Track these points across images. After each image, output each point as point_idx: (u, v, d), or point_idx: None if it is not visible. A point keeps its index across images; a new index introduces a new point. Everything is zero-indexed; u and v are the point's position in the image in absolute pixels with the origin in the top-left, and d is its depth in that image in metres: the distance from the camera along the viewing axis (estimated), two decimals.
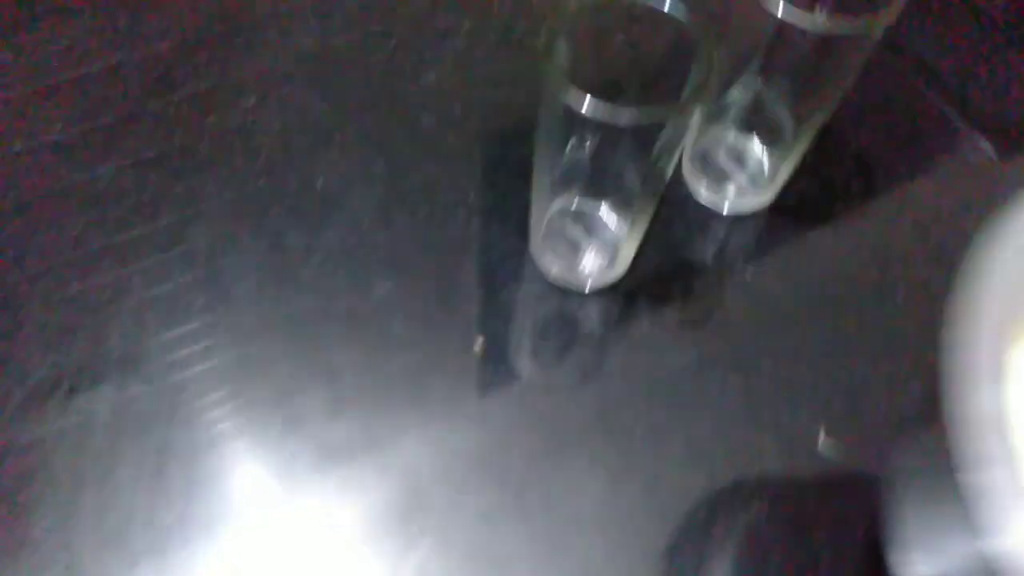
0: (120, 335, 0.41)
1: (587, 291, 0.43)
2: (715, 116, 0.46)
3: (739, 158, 0.46)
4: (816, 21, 0.33)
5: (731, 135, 0.47)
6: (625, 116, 0.29)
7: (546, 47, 0.30)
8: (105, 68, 0.50)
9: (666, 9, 0.32)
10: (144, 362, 0.40)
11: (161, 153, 0.47)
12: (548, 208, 0.42)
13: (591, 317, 0.43)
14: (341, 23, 0.53)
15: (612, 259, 0.43)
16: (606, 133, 0.31)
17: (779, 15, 0.34)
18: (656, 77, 0.36)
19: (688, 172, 0.47)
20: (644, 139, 0.33)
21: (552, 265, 0.43)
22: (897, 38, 0.34)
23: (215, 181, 0.46)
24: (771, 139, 0.45)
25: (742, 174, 0.46)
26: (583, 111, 0.30)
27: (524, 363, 0.41)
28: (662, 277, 0.44)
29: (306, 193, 0.46)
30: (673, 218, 0.46)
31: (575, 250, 0.43)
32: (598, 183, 0.41)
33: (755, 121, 0.45)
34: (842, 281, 0.44)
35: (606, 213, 0.43)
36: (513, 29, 0.53)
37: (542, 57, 0.30)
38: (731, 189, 0.46)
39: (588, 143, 0.34)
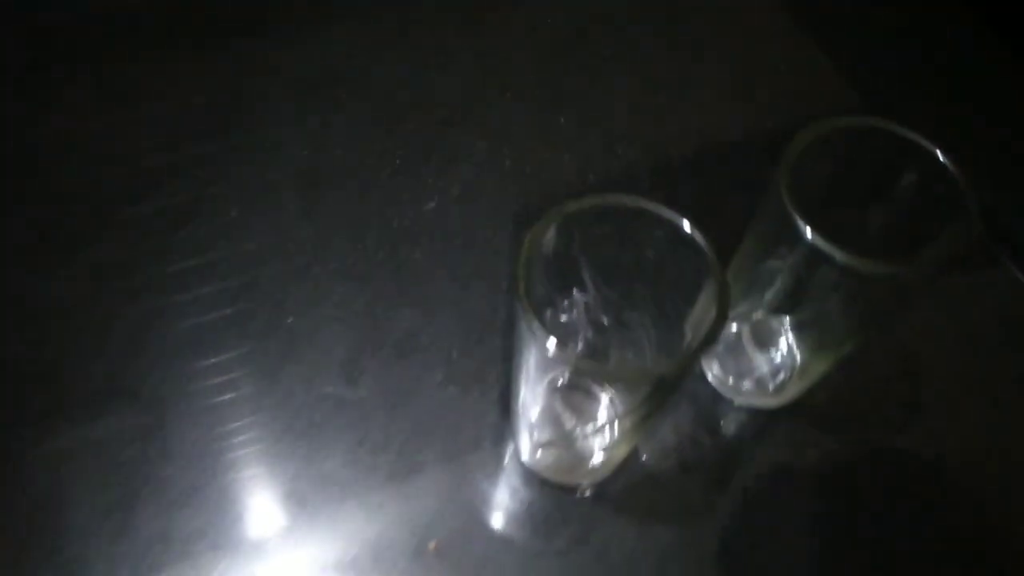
0: (41, 471, 0.36)
1: (569, 488, 0.37)
2: (746, 288, 0.39)
3: (765, 344, 0.40)
4: (848, 257, 0.27)
5: (760, 313, 0.41)
6: (609, 374, 0.24)
7: (523, 277, 0.25)
8: (86, 161, 0.46)
9: (687, 229, 0.27)
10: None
11: (124, 265, 0.43)
12: (533, 385, 0.37)
13: (567, 527, 0.37)
14: (342, 134, 0.48)
15: (606, 454, 0.37)
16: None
17: (808, 238, 0.28)
18: (664, 283, 0.30)
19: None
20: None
21: (532, 452, 0.37)
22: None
23: (174, 305, 0.41)
24: (809, 334, 0.39)
25: (765, 363, 0.40)
26: (557, 360, 0.24)
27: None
28: (657, 478, 0.38)
29: (272, 330, 0.41)
30: (680, 400, 0.40)
31: (563, 438, 0.38)
32: (595, 361, 0.35)
33: (792, 307, 0.39)
34: (867, 516, 0.37)
35: (604, 400, 0.37)
36: (532, 155, 0.48)
37: (517, 289, 0.25)
38: (748, 382, 0.40)
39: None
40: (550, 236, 0.27)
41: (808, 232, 0.28)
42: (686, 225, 0.26)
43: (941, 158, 0.29)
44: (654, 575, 0.35)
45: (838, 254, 0.27)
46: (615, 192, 0.28)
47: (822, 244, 0.28)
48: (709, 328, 0.24)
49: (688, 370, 0.25)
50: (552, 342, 0.24)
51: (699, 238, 0.26)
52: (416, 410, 0.39)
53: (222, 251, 0.43)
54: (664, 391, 0.28)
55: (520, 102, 0.50)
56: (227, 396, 0.39)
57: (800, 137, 0.30)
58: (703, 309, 0.27)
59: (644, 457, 0.38)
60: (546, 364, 0.29)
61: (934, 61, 0.54)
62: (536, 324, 0.25)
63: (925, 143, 0.29)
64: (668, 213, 0.26)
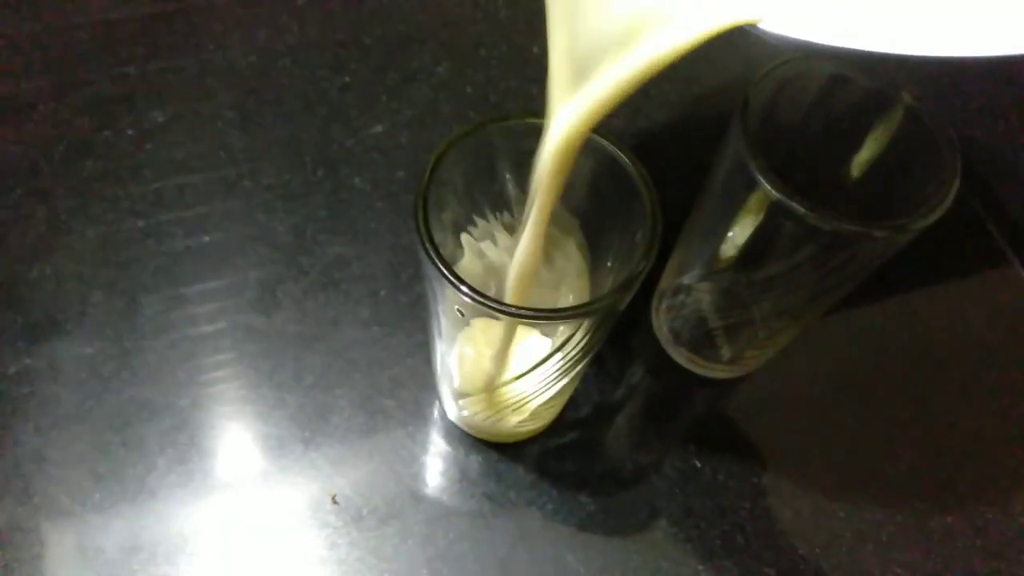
0: None
1: (491, 445, 0.34)
2: (704, 246, 0.35)
3: (723, 308, 0.37)
4: (809, 211, 0.23)
5: (718, 274, 0.37)
6: (525, 313, 0.21)
7: (422, 203, 0.21)
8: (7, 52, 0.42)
9: (619, 158, 0.23)
10: None
11: (34, 163, 0.39)
12: (448, 330, 0.33)
13: (484, 485, 0.33)
14: (292, 42, 0.44)
15: (533, 407, 0.34)
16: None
17: (767, 188, 0.24)
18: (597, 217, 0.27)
19: (656, 312, 0.38)
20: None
21: (454, 405, 0.34)
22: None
23: (85, 209, 0.38)
24: (770, 297, 0.35)
25: (721, 329, 0.36)
26: (466, 301, 0.21)
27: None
28: (589, 442, 0.35)
29: (187, 246, 0.37)
30: (625, 357, 0.37)
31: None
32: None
33: (754, 267, 0.35)
34: (814, 502, 0.34)
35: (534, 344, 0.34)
36: (498, 83, 0.44)
37: (416, 217, 0.21)
38: (702, 349, 0.36)
39: None
40: (467, 155, 0.23)
41: (767, 182, 0.24)
42: (619, 154, 0.22)
43: (919, 107, 0.25)
44: (572, 542, 0.32)
45: (799, 208, 0.24)
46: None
47: (782, 196, 0.24)
48: (639, 258, 0.21)
49: (611, 310, 0.22)
50: (465, 291, 0.20)
51: (630, 166, 0.22)
52: (334, 347, 0.35)
53: (143, 156, 0.39)
54: (591, 335, 0.24)
55: (492, 24, 0.46)
56: (124, 314, 0.35)
57: (765, 77, 0.26)
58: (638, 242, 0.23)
59: (578, 418, 0.35)
60: (455, 312, 0.25)
61: None
62: (442, 266, 0.21)
63: (905, 93, 0.25)
64: (600, 142, 0.22)
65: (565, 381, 0.29)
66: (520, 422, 0.33)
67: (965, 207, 0.42)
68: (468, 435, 0.34)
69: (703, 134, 0.40)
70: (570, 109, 0.19)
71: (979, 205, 0.42)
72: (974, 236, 0.41)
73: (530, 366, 0.27)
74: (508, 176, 0.27)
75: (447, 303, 0.24)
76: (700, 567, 0.32)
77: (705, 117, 0.43)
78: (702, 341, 0.36)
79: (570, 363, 0.26)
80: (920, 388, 0.37)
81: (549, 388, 0.29)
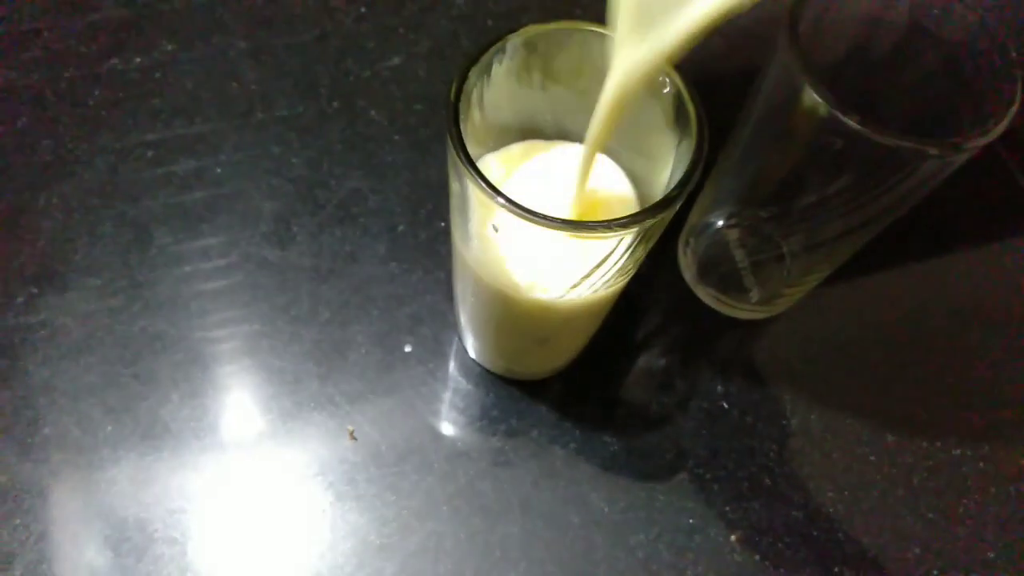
0: None
1: (514, 381, 0.33)
2: (737, 183, 0.34)
3: (754, 248, 0.35)
4: (860, 125, 0.22)
5: (750, 212, 0.36)
6: (556, 224, 0.19)
7: (453, 106, 0.20)
8: None
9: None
10: None
11: (40, 91, 0.38)
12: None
13: (506, 422, 0.33)
14: None
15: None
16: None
17: (824, 107, 0.23)
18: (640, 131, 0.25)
19: (684, 251, 0.36)
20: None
21: (471, 342, 0.33)
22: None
23: (95, 143, 0.37)
24: (803, 230, 0.34)
25: (750, 269, 0.35)
26: (498, 207, 0.19)
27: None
28: (614, 382, 0.34)
29: (198, 178, 0.36)
30: (650, 296, 0.36)
31: None
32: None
33: (788, 199, 0.34)
34: (830, 450, 0.33)
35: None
36: (519, 16, 0.42)
37: (449, 123, 0.20)
38: (731, 290, 0.35)
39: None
40: (505, 61, 0.22)
41: (819, 95, 0.23)
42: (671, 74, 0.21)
43: (975, 24, 0.23)
44: (596, 482, 0.31)
45: (853, 122, 0.22)
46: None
47: (836, 110, 0.23)
48: (685, 170, 0.20)
49: (656, 224, 0.21)
50: (499, 202, 0.19)
51: (674, 80, 0.21)
52: (351, 282, 0.34)
53: (152, 86, 0.38)
54: (628, 255, 0.23)
55: None
56: (134, 246, 0.34)
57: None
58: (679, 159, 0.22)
59: (602, 357, 0.34)
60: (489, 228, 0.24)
61: None
62: (480, 178, 0.20)
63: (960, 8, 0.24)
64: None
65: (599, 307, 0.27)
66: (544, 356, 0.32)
67: (999, 164, 0.40)
68: (489, 372, 0.33)
69: (734, 81, 0.39)
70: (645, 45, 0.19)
71: (1014, 165, 0.40)
72: (1007, 190, 0.40)
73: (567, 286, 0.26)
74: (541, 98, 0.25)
75: (480, 218, 0.23)
76: (727, 508, 0.31)
77: (732, 67, 0.42)
78: (729, 280, 0.35)
79: (606, 283, 0.25)
80: (953, 335, 0.36)
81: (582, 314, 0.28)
